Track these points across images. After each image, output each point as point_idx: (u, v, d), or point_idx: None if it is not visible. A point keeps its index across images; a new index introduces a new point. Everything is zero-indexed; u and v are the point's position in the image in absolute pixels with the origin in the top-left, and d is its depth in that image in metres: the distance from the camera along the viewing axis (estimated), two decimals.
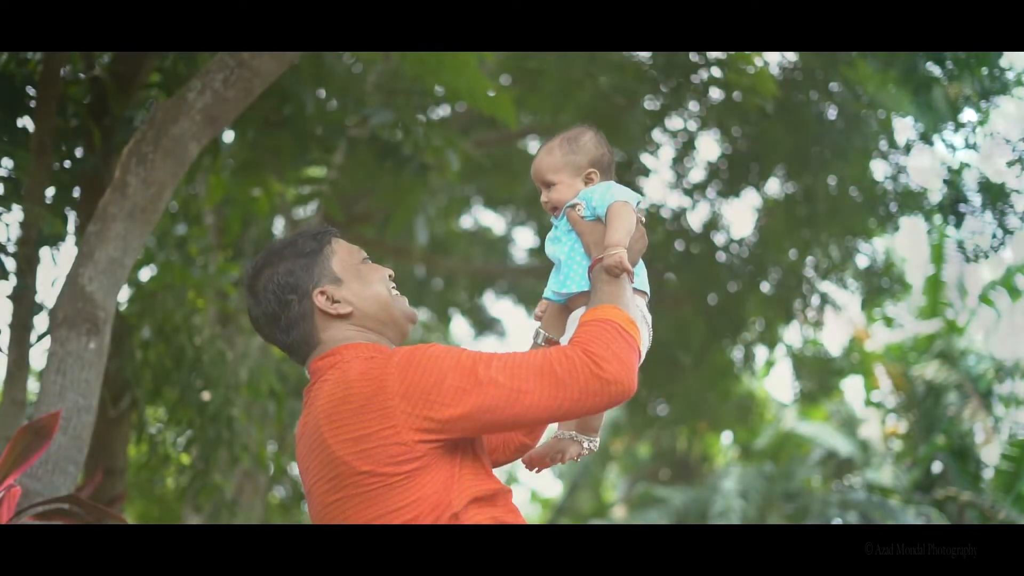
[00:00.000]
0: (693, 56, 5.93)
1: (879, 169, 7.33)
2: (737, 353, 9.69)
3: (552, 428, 2.12)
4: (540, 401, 1.76)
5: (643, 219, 2.08)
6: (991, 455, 11.93)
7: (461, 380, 1.76)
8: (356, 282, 1.98)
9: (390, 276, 2.04)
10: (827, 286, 8.67)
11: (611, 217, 1.99)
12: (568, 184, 2.09)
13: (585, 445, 2.07)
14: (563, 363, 1.78)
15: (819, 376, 10.50)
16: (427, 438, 1.75)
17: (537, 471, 2.14)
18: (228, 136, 6.15)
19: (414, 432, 1.74)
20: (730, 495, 12.64)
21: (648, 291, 2.10)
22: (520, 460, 2.16)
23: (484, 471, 1.86)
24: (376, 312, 1.97)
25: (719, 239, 8.44)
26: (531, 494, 22.08)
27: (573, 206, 2.06)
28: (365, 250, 2.10)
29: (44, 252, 3.86)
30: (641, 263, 2.09)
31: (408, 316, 2.02)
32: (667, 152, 7.82)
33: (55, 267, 4.56)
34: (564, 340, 2.00)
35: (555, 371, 1.77)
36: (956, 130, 5.82)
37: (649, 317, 2.07)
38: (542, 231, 10.49)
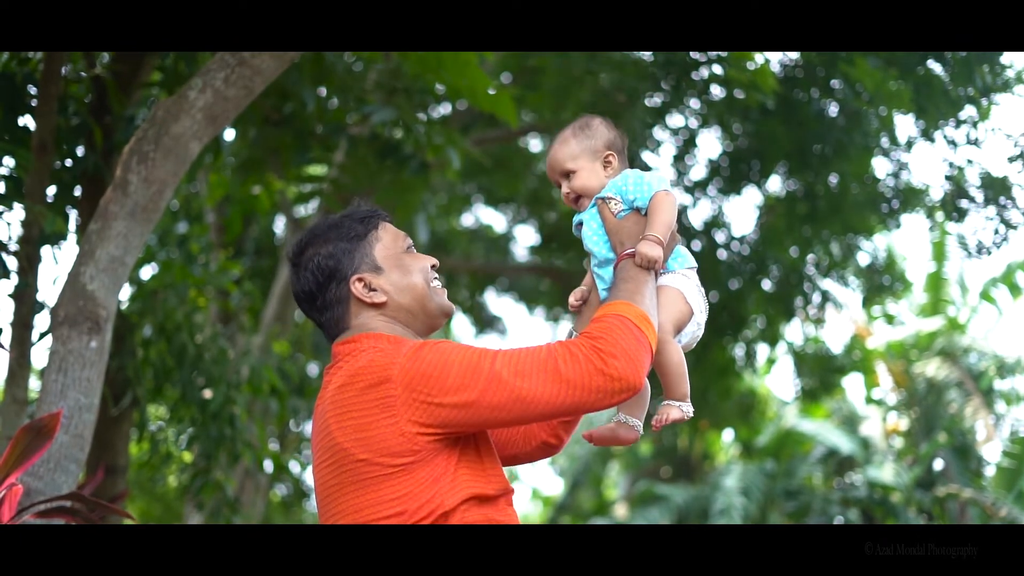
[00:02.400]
0: (693, 53, 5.92)
1: (880, 166, 7.33)
2: (738, 350, 9.68)
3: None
4: (542, 396, 1.75)
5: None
6: (992, 452, 11.95)
7: (465, 373, 1.75)
8: (396, 271, 1.99)
9: (433, 267, 2.04)
10: (828, 283, 8.68)
11: (655, 208, 2.00)
12: (589, 169, 2.08)
13: (684, 410, 2.05)
14: (568, 358, 1.76)
15: (820, 373, 10.49)
16: (426, 431, 1.75)
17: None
18: (229, 134, 6.15)
19: (413, 424, 1.74)
20: (731, 493, 12.66)
21: (695, 264, 2.11)
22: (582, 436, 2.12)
23: (486, 470, 1.84)
24: (410, 304, 1.98)
25: (720, 236, 8.44)
26: (532, 492, 22.10)
27: (605, 200, 2.05)
28: None
29: (45, 251, 3.85)
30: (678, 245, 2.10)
31: (443, 310, 2.02)
32: (668, 150, 7.83)
33: (56, 266, 4.54)
34: None
35: (559, 367, 1.75)
36: (957, 127, 5.82)
37: (702, 290, 2.09)
38: (543, 229, 10.48)
